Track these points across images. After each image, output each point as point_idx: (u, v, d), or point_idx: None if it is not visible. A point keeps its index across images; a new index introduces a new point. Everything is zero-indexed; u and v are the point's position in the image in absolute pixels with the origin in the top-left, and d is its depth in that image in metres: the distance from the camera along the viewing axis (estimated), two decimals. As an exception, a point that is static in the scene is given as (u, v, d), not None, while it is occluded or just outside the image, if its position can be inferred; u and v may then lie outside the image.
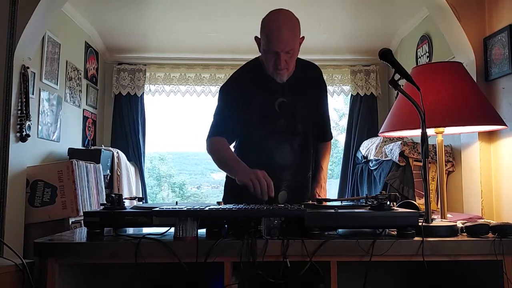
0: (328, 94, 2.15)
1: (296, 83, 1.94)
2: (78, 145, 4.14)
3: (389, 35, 4.51)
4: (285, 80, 1.91)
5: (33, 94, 3.16)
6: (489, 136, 2.69)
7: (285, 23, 1.82)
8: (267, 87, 1.92)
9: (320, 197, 1.97)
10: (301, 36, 1.88)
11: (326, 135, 2.15)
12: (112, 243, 1.38)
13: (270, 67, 1.87)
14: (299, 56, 2.01)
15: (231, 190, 1.98)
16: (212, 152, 1.95)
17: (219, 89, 2.06)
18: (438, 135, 1.96)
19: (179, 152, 9.88)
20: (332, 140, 2.20)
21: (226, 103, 1.98)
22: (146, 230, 1.56)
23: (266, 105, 1.92)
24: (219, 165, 1.94)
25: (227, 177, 2.02)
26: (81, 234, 1.57)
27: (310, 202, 1.62)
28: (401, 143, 3.35)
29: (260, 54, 1.94)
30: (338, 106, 6.86)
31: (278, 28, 1.80)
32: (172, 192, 9.03)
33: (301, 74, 1.97)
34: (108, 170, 3.92)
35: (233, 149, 2.03)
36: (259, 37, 1.88)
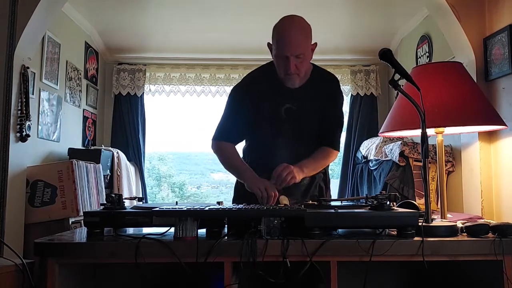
0: (343, 107, 2.08)
1: (307, 91, 1.93)
2: (78, 145, 4.14)
3: (389, 35, 4.51)
4: (297, 86, 1.91)
5: (33, 94, 3.16)
6: (489, 136, 2.69)
7: (295, 27, 1.82)
8: (276, 92, 1.93)
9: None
10: (313, 43, 1.88)
11: (331, 142, 1.99)
12: (112, 243, 1.38)
13: (281, 72, 1.88)
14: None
15: (240, 192, 2.01)
16: (219, 155, 2.01)
17: (231, 88, 2.08)
18: (438, 135, 1.96)
19: (179, 152, 9.87)
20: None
21: (234, 105, 2.00)
22: (146, 230, 1.56)
23: (273, 110, 1.93)
24: (227, 169, 2.00)
25: (237, 179, 2.05)
26: (81, 234, 1.57)
27: (310, 202, 1.62)
28: (401, 143, 3.35)
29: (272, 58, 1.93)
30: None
31: (288, 33, 1.80)
32: (172, 192, 9.03)
33: (315, 83, 1.95)
34: (108, 170, 3.92)
35: (241, 153, 2.07)
36: (271, 43, 1.88)
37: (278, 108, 1.93)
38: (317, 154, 1.97)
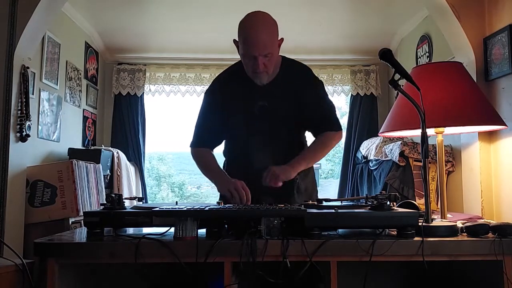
0: (326, 91, 2.05)
1: (278, 86, 1.92)
2: (78, 145, 4.14)
3: (389, 35, 4.51)
4: (265, 83, 1.89)
5: (33, 94, 3.16)
6: (489, 136, 2.69)
7: (262, 26, 1.80)
8: (248, 90, 1.92)
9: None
10: (280, 38, 1.86)
11: (329, 125, 1.96)
12: (112, 243, 1.38)
13: (249, 70, 1.87)
14: (294, 57, 2.01)
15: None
16: (196, 161, 2.03)
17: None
18: (438, 135, 1.96)
19: (179, 152, 9.88)
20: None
21: (207, 110, 2.01)
22: (146, 230, 1.56)
23: (246, 109, 1.93)
24: (204, 174, 2.01)
25: None
26: (81, 234, 1.57)
27: (310, 202, 1.62)
28: (401, 143, 3.35)
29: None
30: (339, 105, 6.83)
31: (255, 32, 1.79)
32: (172, 192, 9.04)
33: (286, 76, 1.94)
34: (108, 170, 3.92)
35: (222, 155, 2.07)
36: (237, 40, 1.86)
37: (251, 107, 1.92)
38: (315, 143, 1.94)
